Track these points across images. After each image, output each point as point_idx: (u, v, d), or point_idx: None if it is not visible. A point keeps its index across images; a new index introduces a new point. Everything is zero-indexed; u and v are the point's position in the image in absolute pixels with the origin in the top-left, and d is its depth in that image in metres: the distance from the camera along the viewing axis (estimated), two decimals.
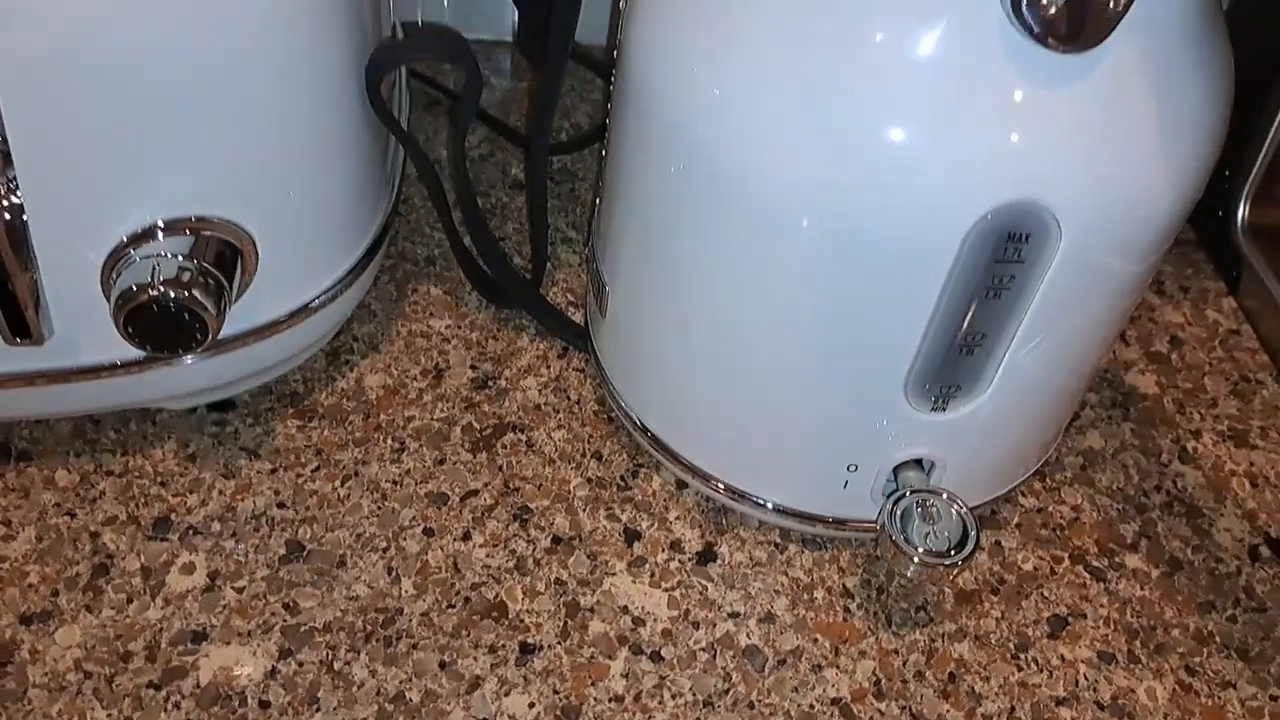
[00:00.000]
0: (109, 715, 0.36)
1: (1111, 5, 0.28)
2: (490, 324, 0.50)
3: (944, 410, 0.37)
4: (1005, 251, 0.32)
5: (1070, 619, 0.42)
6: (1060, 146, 0.31)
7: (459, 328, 0.50)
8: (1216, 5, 0.33)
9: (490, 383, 0.48)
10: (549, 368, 0.49)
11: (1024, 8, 0.28)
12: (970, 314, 0.34)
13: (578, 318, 0.50)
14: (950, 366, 0.36)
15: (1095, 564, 0.44)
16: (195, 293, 0.35)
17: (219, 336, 0.39)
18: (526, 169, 0.56)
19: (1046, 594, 0.43)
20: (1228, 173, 0.58)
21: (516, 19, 0.64)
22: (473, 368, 0.48)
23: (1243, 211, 0.58)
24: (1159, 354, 0.54)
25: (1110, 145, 0.31)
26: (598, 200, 0.43)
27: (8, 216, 0.34)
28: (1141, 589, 0.44)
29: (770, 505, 0.42)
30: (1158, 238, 0.35)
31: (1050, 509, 0.46)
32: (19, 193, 0.34)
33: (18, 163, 0.33)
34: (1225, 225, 0.58)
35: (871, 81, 0.31)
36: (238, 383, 0.44)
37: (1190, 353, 0.54)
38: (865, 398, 0.37)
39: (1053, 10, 0.28)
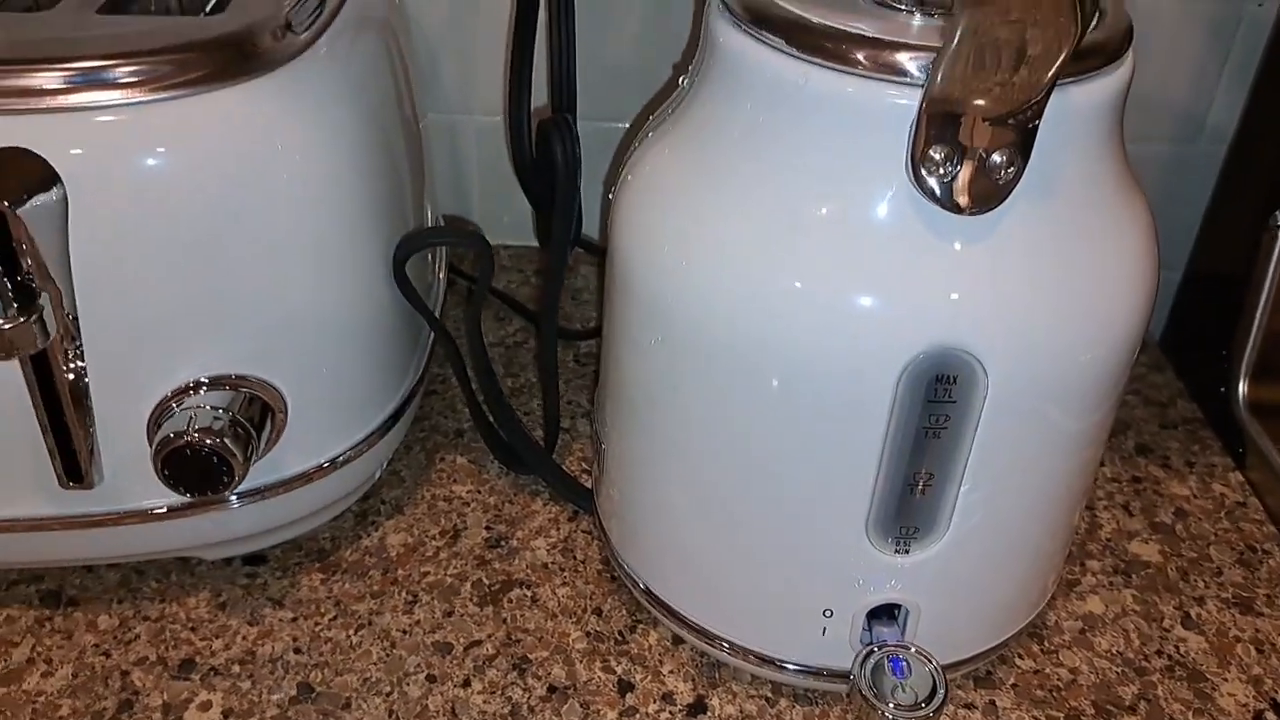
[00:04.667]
0: None
1: (1002, 174, 0.32)
2: (509, 490, 0.54)
3: (907, 552, 0.39)
4: (936, 392, 0.35)
5: None
6: (976, 296, 0.35)
7: (479, 492, 0.53)
8: (1125, 166, 0.37)
9: (503, 542, 0.51)
10: (559, 529, 0.52)
11: (924, 179, 0.33)
12: (914, 452, 0.36)
13: (590, 484, 0.53)
14: (906, 507, 0.38)
15: None
16: (226, 440, 0.40)
17: (248, 487, 0.43)
18: (537, 342, 0.61)
19: None
20: (1225, 351, 0.60)
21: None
22: (487, 529, 0.51)
23: (1243, 388, 0.59)
24: (1163, 524, 0.54)
25: (1024, 296, 0.35)
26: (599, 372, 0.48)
27: (71, 378, 0.40)
28: None
29: (754, 655, 0.43)
30: (1089, 389, 0.37)
31: (1047, 670, 0.46)
32: (84, 358, 0.39)
33: (85, 333, 0.39)
34: (1227, 402, 0.60)
35: (812, 249, 0.35)
36: (268, 534, 0.48)
37: (1195, 524, 0.55)
38: (832, 540, 0.39)
39: (949, 181, 0.33)
